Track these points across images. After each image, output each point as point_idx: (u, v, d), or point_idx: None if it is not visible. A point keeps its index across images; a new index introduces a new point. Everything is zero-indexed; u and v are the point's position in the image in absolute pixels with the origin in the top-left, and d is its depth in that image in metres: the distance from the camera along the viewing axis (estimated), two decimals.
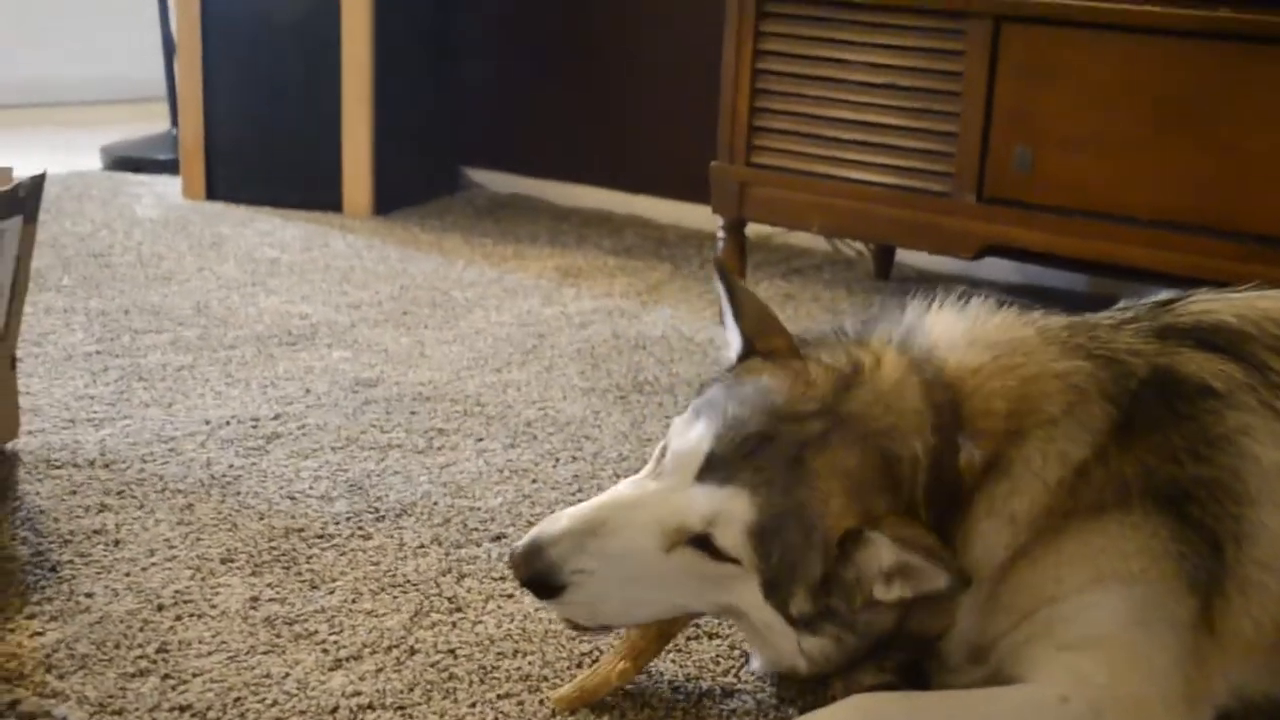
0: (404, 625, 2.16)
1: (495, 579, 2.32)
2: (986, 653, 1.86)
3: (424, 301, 3.82)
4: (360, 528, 2.47)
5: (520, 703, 1.97)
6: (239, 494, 2.59)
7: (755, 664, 2.05)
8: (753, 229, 3.84)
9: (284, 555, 2.37)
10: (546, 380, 3.24)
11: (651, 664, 2.04)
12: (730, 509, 1.78)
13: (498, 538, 2.46)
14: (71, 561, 2.31)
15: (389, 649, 2.10)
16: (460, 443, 2.86)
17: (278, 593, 2.25)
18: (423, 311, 3.73)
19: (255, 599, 2.22)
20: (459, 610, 2.22)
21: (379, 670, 2.04)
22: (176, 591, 2.23)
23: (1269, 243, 3.01)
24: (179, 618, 2.16)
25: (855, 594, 1.79)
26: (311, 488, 2.62)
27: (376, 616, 2.19)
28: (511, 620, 2.19)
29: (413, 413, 3.00)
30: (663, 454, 1.89)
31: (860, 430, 1.82)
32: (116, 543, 2.38)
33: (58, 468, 2.65)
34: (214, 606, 2.20)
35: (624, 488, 1.88)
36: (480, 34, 5.18)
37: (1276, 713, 1.92)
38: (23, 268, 2.61)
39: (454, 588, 2.28)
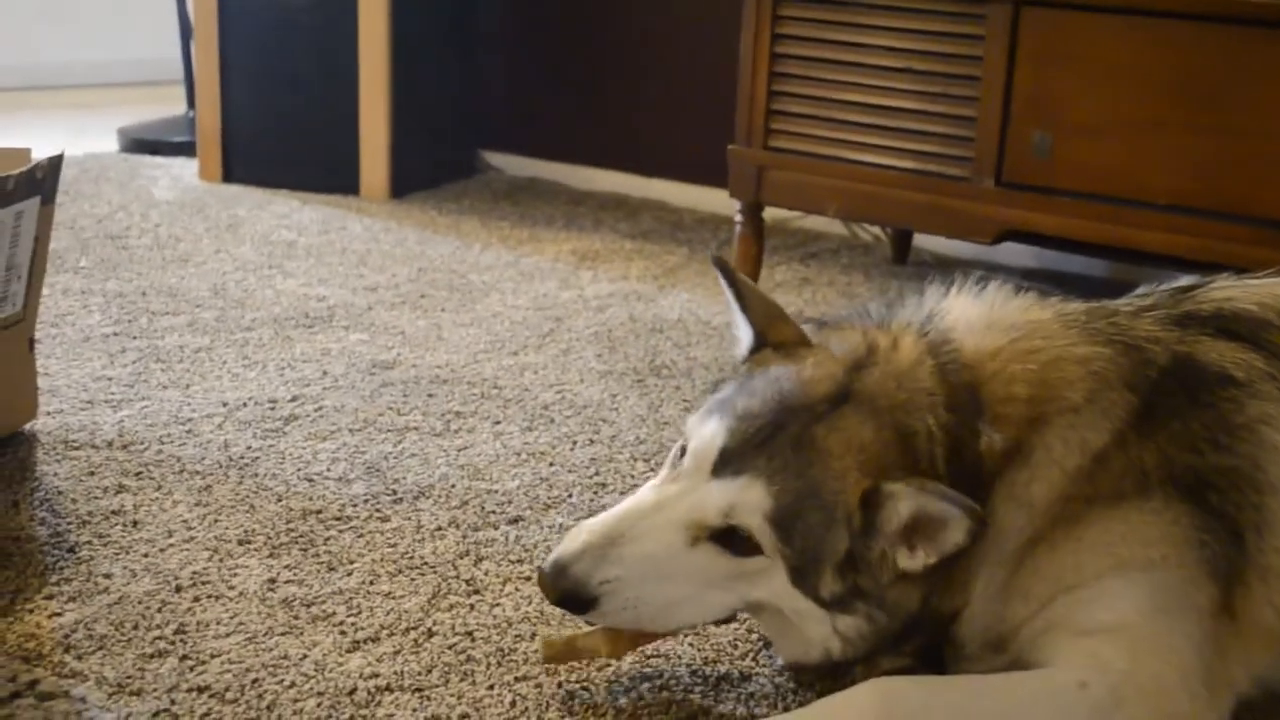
0: (422, 607, 2.17)
1: (513, 561, 2.32)
2: (1006, 642, 1.85)
3: (441, 284, 3.82)
4: (378, 510, 2.48)
5: (538, 685, 1.97)
6: (257, 475, 2.59)
7: (779, 661, 2.04)
8: (770, 213, 3.83)
9: (302, 537, 2.37)
10: (563, 363, 3.24)
11: (669, 648, 2.05)
12: (746, 499, 1.79)
13: (515, 520, 2.46)
14: (90, 542, 2.32)
15: (407, 631, 2.10)
16: (477, 425, 2.86)
17: (295, 574, 2.25)
18: (440, 294, 3.73)
19: (273, 580, 2.22)
20: (477, 592, 2.22)
21: (397, 652, 2.04)
22: (194, 573, 2.24)
23: None
24: (197, 599, 2.16)
25: (882, 569, 1.80)
26: (329, 469, 2.62)
27: (394, 598, 2.19)
28: (529, 603, 2.19)
29: (430, 395, 3.00)
30: (681, 454, 1.90)
31: (872, 406, 1.83)
32: (134, 524, 2.39)
33: (76, 449, 2.66)
34: (232, 588, 2.20)
35: (642, 493, 1.89)
36: (498, 17, 5.17)
37: None
38: (40, 249, 2.61)
39: (472, 570, 2.29)
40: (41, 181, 2.55)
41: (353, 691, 1.94)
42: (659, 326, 3.52)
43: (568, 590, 1.82)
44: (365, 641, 2.07)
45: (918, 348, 1.91)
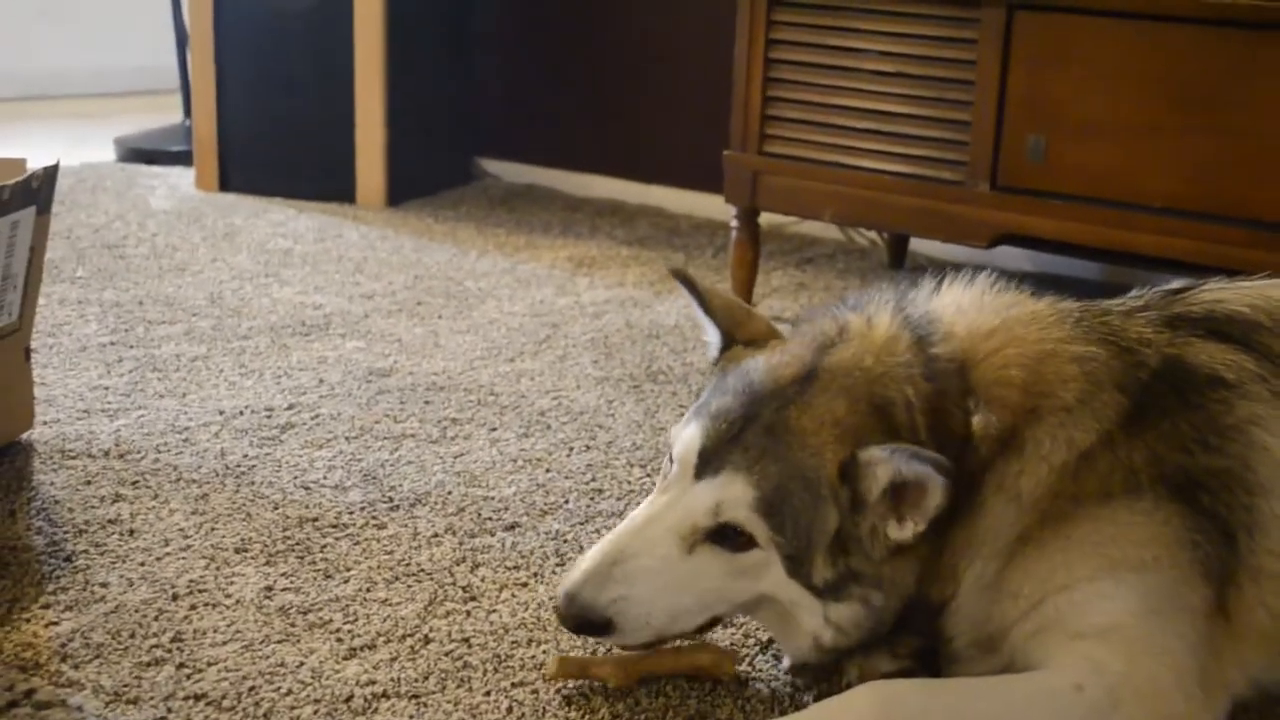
0: (418, 614, 2.17)
1: (509, 568, 2.32)
2: (996, 642, 1.85)
3: (437, 292, 3.82)
4: (374, 517, 2.48)
5: (535, 691, 1.97)
6: (253, 484, 2.59)
7: (786, 662, 2.04)
8: (766, 218, 3.83)
9: (298, 545, 2.37)
10: (560, 370, 3.24)
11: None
12: (729, 495, 1.81)
13: (512, 527, 2.46)
14: (86, 551, 2.32)
15: (403, 638, 2.10)
16: (474, 432, 2.86)
17: (292, 582, 2.25)
18: (436, 302, 3.73)
19: (270, 588, 2.23)
20: (473, 599, 2.22)
21: (393, 659, 2.04)
22: (191, 581, 2.24)
23: None
24: (194, 607, 2.16)
25: (874, 544, 1.81)
26: (326, 477, 2.62)
27: (391, 605, 2.19)
28: (526, 609, 2.19)
29: (426, 402, 3.00)
30: (667, 465, 1.92)
31: (844, 381, 1.85)
32: (131, 532, 2.39)
33: (72, 458, 2.66)
34: (229, 596, 2.20)
35: (638, 510, 1.91)
36: (494, 24, 5.17)
37: None
38: (36, 258, 2.62)
39: (468, 577, 2.29)
40: (37, 191, 2.55)
41: (349, 699, 1.94)
42: (655, 332, 3.52)
43: (580, 617, 1.85)
44: (362, 649, 2.07)
45: (894, 323, 1.92)
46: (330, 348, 3.33)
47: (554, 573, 2.30)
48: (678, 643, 2.05)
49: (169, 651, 2.04)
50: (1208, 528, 1.80)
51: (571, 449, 2.80)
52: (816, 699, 1.94)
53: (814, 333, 1.94)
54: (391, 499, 2.54)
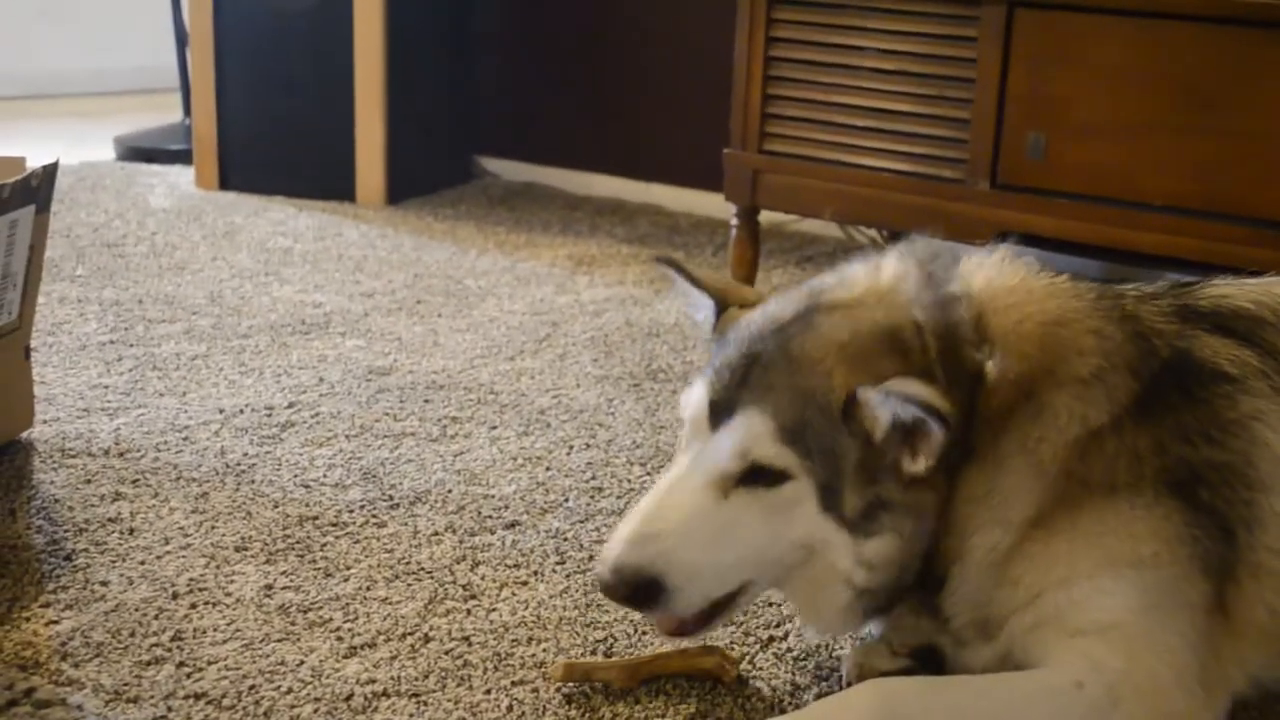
0: (418, 613, 2.17)
1: (510, 566, 2.32)
2: (995, 629, 1.85)
3: (437, 290, 3.82)
4: (374, 515, 2.48)
5: (535, 689, 1.97)
6: (253, 482, 2.59)
7: (810, 632, 2.03)
8: (766, 216, 3.83)
9: (298, 543, 2.37)
10: (560, 368, 3.24)
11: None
12: (750, 431, 1.78)
13: (512, 525, 2.46)
14: (86, 550, 2.32)
15: (403, 636, 2.10)
16: (474, 430, 2.86)
17: (292, 580, 2.25)
18: (436, 300, 3.73)
19: (270, 587, 2.23)
20: (473, 598, 2.22)
21: (393, 657, 2.04)
22: (191, 580, 2.24)
23: None
24: (194, 606, 2.16)
25: (895, 476, 1.79)
26: (325, 476, 2.62)
27: (391, 604, 2.19)
28: (526, 607, 2.19)
29: (426, 401, 3.00)
30: (684, 429, 1.89)
31: (847, 310, 1.85)
32: (131, 531, 2.39)
33: (72, 457, 2.66)
34: (229, 594, 2.20)
35: (661, 480, 1.87)
36: (494, 23, 5.17)
37: None
38: (36, 257, 2.62)
39: (468, 575, 2.29)
40: (37, 189, 2.55)
41: (349, 697, 1.94)
42: (655, 331, 3.52)
43: (634, 582, 1.79)
44: (362, 647, 2.07)
45: (904, 264, 1.92)
46: (330, 346, 3.33)
47: (554, 571, 2.30)
48: (681, 644, 2.06)
49: (169, 650, 2.03)
50: (1207, 524, 1.80)
51: (571, 447, 2.80)
52: (817, 697, 1.94)
53: (811, 282, 1.94)
54: (391, 497, 2.54)
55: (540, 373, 3.21)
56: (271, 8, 4.68)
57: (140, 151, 5.27)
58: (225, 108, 4.81)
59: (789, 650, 2.10)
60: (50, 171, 2.58)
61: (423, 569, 2.30)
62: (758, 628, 2.14)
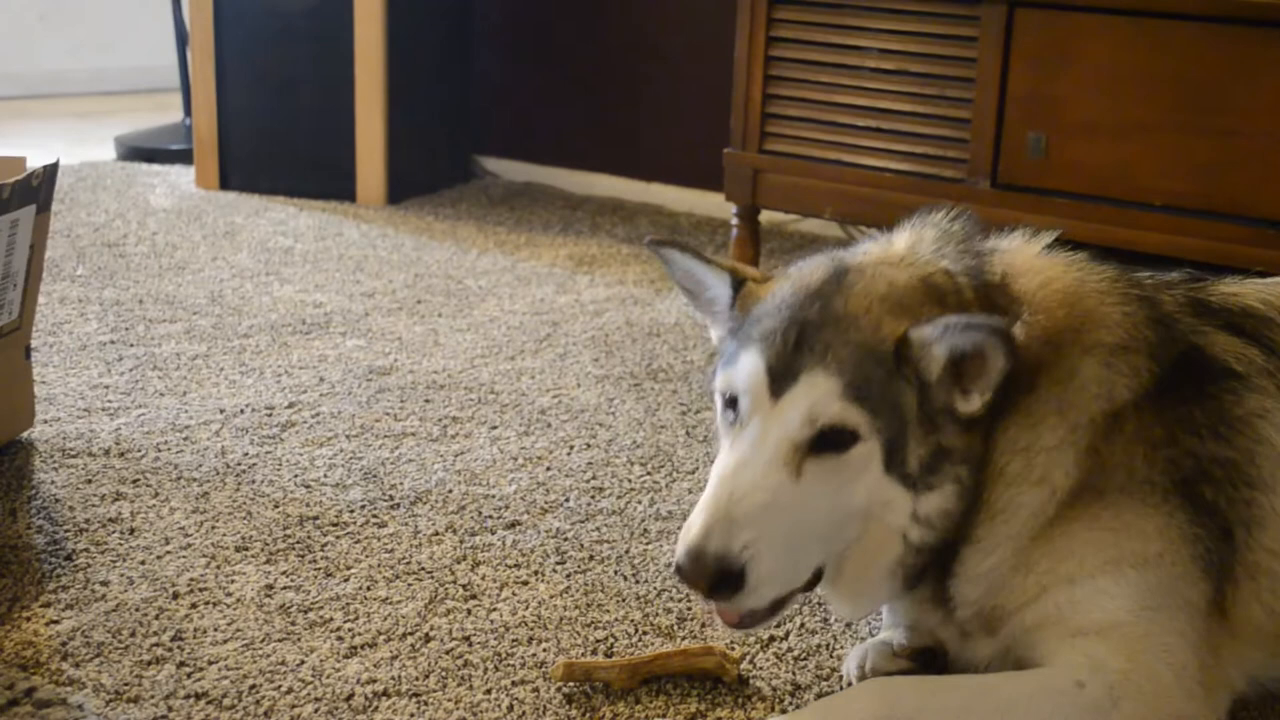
0: (419, 612, 2.17)
1: (510, 566, 2.32)
2: (999, 624, 1.85)
3: (438, 290, 3.82)
4: (375, 515, 2.48)
5: (535, 689, 1.97)
6: (254, 482, 2.59)
7: (842, 611, 2.02)
8: (766, 216, 3.84)
9: (299, 543, 2.37)
10: (560, 368, 3.24)
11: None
12: (816, 393, 1.75)
13: (512, 525, 2.46)
14: (87, 550, 2.32)
15: (404, 636, 2.10)
16: (474, 430, 2.86)
17: (293, 580, 2.25)
18: (436, 300, 3.73)
19: (270, 587, 2.23)
20: (474, 597, 2.22)
21: (394, 657, 2.04)
22: (192, 579, 2.24)
23: None
24: (194, 606, 2.16)
25: (951, 420, 1.78)
26: (326, 476, 2.62)
27: (391, 604, 2.19)
28: (526, 607, 2.19)
29: (427, 401, 3.00)
30: (729, 408, 1.83)
31: (879, 268, 1.84)
32: (131, 531, 2.39)
33: (73, 457, 2.66)
34: (229, 594, 2.20)
35: (721, 464, 1.82)
36: (494, 23, 5.17)
37: None
38: (36, 257, 2.62)
39: (469, 575, 2.29)
40: (37, 189, 2.55)
41: (350, 697, 1.94)
42: (656, 331, 3.52)
43: (717, 570, 1.73)
44: (363, 647, 2.07)
45: (916, 230, 1.93)
46: (331, 346, 3.33)
47: (554, 571, 2.30)
48: (681, 644, 2.06)
49: (169, 650, 2.03)
50: (1208, 523, 1.80)
51: (572, 447, 2.80)
52: (818, 697, 1.94)
53: (830, 252, 1.93)
54: (392, 497, 2.54)
55: (541, 372, 3.21)
56: (272, 7, 4.68)
57: (140, 151, 5.27)
58: (225, 107, 4.82)
59: (789, 650, 2.10)
60: (51, 171, 2.58)
61: (423, 569, 2.30)
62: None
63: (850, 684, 1.93)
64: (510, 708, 1.93)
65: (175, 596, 2.18)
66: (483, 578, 2.28)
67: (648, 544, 2.41)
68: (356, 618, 2.14)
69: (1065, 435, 1.81)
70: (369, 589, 2.23)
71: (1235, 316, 1.94)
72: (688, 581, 1.76)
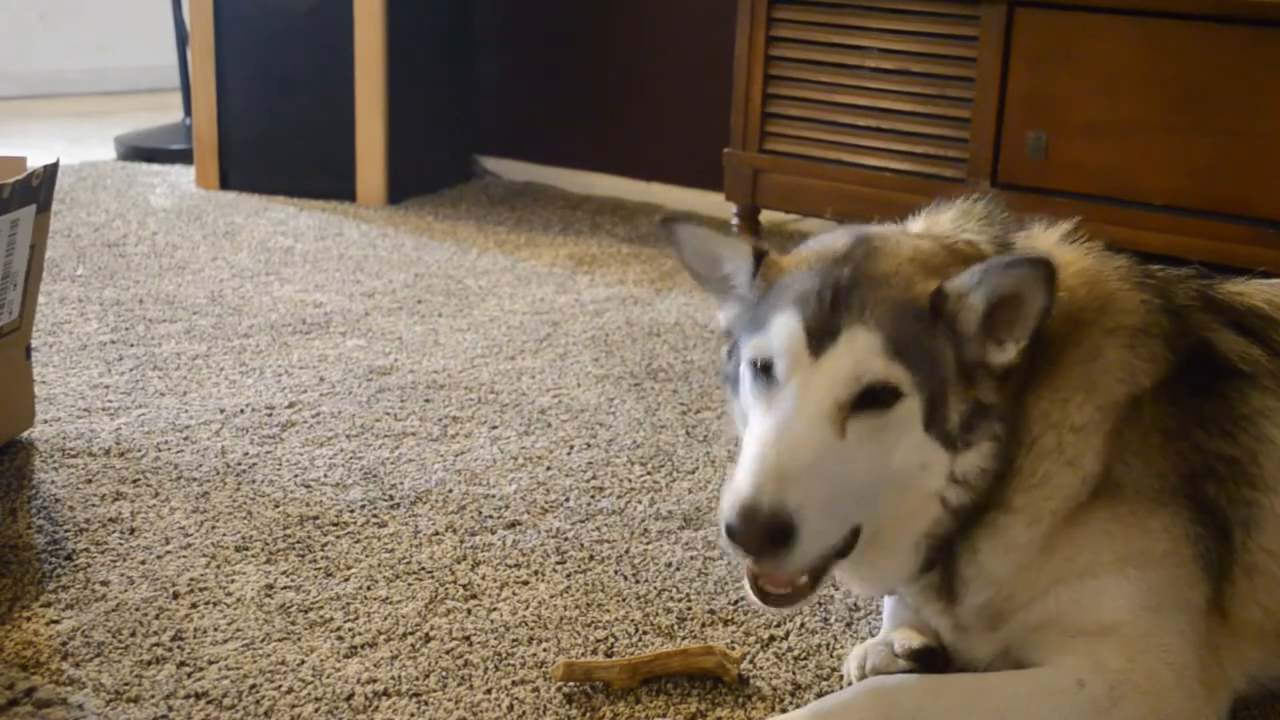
0: (419, 612, 2.17)
1: (510, 566, 2.32)
2: (1002, 620, 1.85)
3: (438, 290, 3.82)
4: (375, 515, 2.48)
5: (535, 689, 1.97)
6: (254, 482, 2.59)
7: (862, 588, 2.01)
8: (766, 216, 3.84)
9: (299, 543, 2.37)
10: (560, 368, 3.24)
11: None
12: (859, 349, 1.73)
13: (512, 525, 2.46)
14: (87, 550, 2.32)
15: (404, 636, 2.10)
16: (474, 430, 2.86)
17: (293, 580, 2.25)
18: (436, 300, 3.73)
19: (270, 586, 2.22)
20: (474, 597, 2.22)
21: (394, 657, 2.04)
22: (192, 579, 2.24)
23: None
24: (194, 605, 2.16)
25: (986, 375, 1.77)
26: (326, 475, 2.62)
27: (392, 604, 2.19)
28: (526, 607, 2.19)
29: (427, 400, 3.00)
30: (760, 373, 1.80)
31: (898, 236, 1.85)
32: (132, 531, 2.39)
33: (73, 456, 2.66)
34: (229, 594, 2.20)
35: (759, 426, 1.78)
36: (494, 23, 5.17)
37: None
38: (37, 257, 2.62)
39: (469, 575, 2.29)
40: (37, 189, 2.55)
41: (350, 697, 1.94)
42: (656, 330, 3.52)
43: (771, 526, 1.68)
44: (363, 647, 2.06)
45: (934, 214, 1.94)
46: (331, 346, 3.33)
47: (555, 570, 2.30)
48: (681, 644, 2.06)
49: (170, 650, 2.03)
50: (1208, 522, 1.81)
51: (572, 447, 2.80)
52: (817, 696, 1.94)
53: (849, 225, 1.94)
54: (392, 497, 2.54)
55: (541, 372, 3.21)
56: (272, 8, 4.68)
57: (141, 151, 5.27)
58: (226, 107, 4.82)
59: (789, 650, 2.10)
60: (51, 171, 2.58)
61: (423, 569, 2.30)
62: (758, 628, 2.14)
63: (850, 684, 1.93)
64: (510, 707, 1.93)
65: (175, 596, 2.18)
66: (483, 577, 2.28)
67: (648, 544, 2.41)
68: (357, 617, 2.14)
69: (1092, 415, 1.81)
70: (369, 589, 2.23)
71: (1241, 315, 1.94)
72: (738, 540, 1.70)
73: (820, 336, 1.75)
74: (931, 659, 1.96)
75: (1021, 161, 3.28)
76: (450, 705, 1.93)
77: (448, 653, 2.06)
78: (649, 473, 2.68)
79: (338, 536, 2.40)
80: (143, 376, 3.08)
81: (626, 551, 2.38)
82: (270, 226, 4.39)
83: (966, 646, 1.91)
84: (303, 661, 2.02)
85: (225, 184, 4.84)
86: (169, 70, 5.70)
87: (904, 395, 1.73)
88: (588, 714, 1.92)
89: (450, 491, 2.58)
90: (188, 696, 1.93)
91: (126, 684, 1.95)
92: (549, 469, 2.69)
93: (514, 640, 2.10)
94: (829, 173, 3.57)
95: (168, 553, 2.32)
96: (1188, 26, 3.05)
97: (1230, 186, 3.06)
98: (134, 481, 2.57)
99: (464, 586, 2.25)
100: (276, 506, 2.50)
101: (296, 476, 2.61)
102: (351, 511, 2.49)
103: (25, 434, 2.74)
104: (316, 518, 2.46)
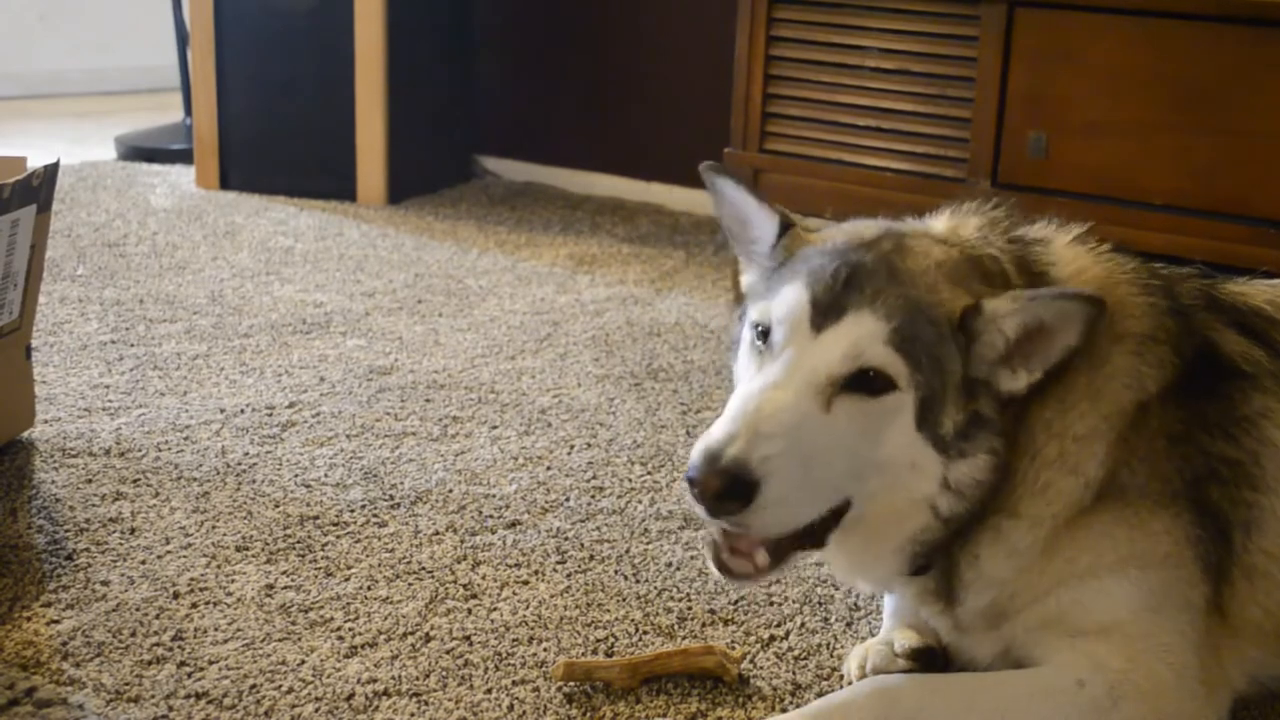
0: (419, 612, 2.17)
1: (511, 566, 2.32)
2: (1002, 620, 1.85)
3: (438, 289, 3.82)
4: (375, 515, 2.48)
5: (535, 689, 1.97)
6: (254, 482, 2.59)
7: (859, 585, 2.00)
8: None
9: (299, 543, 2.37)
10: (560, 368, 3.24)
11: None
12: (863, 332, 1.72)
13: (513, 524, 2.46)
14: (87, 550, 2.32)
15: (404, 636, 2.10)
16: (475, 430, 2.86)
17: (293, 580, 2.25)
18: (437, 299, 3.73)
19: (271, 586, 2.22)
20: (474, 597, 2.22)
21: (394, 657, 2.04)
22: (192, 579, 2.24)
23: None
24: (195, 605, 2.16)
25: (994, 395, 1.77)
26: (326, 475, 2.62)
27: (392, 603, 2.19)
28: (527, 607, 2.19)
29: (427, 400, 3.00)
30: (759, 338, 1.80)
31: (925, 238, 1.83)
32: (132, 531, 2.39)
33: (73, 456, 2.66)
34: (230, 594, 2.20)
35: (749, 384, 1.77)
36: (494, 23, 5.17)
37: None
38: (37, 257, 2.62)
39: (469, 574, 2.29)
40: (38, 189, 2.55)
41: (351, 697, 1.94)
42: (656, 330, 3.52)
43: (731, 473, 1.65)
44: (363, 647, 2.06)
45: (955, 217, 1.93)
46: (331, 346, 3.33)
47: (555, 570, 2.30)
48: (682, 644, 2.06)
49: (170, 650, 2.03)
50: (1208, 524, 1.81)
51: (572, 447, 2.80)
52: (818, 696, 1.94)
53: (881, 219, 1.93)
54: (392, 497, 2.54)
55: (541, 372, 3.21)
56: (272, 8, 4.68)
57: (141, 151, 5.27)
58: (226, 107, 4.82)
59: (790, 650, 2.10)
60: (51, 171, 2.58)
61: (424, 568, 2.30)
62: (758, 627, 2.14)
63: (850, 684, 1.93)
64: (510, 707, 1.93)
65: (176, 596, 2.18)
66: (483, 577, 2.28)
67: (648, 543, 2.41)
68: (357, 617, 2.14)
69: (1097, 424, 1.81)
70: (369, 589, 2.23)
71: (1244, 316, 1.94)
72: (697, 486, 1.68)
73: (825, 312, 1.74)
74: (931, 659, 1.96)
75: (1022, 161, 3.28)
76: (450, 705, 1.93)
77: (448, 652, 2.06)
78: (649, 472, 2.68)
79: (338, 536, 2.40)
80: (143, 376, 3.08)
81: (627, 551, 2.38)
82: (270, 226, 4.39)
83: (966, 646, 1.91)
84: (303, 661, 2.02)
85: (225, 184, 4.84)
86: (169, 70, 5.70)
87: (898, 388, 1.72)
88: (588, 714, 1.92)
89: (450, 491, 2.58)
90: (188, 696, 1.93)
91: (127, 684, 1.95)
92: (549, 469, 2.69)
93: (514, 640, 2.10)
94: (829, 173, 3.57)
95: (168, 553, 2.32)
96: (1188, 26, 3.05)
97: (1231, 186, 3.06)
98: (134, 481, 2.57)
99: (464, 586, 2.25)
100: (277, 506, 2.50)
101: (297, 476, 2.61)
102: (352, 511, 2.49)
103: (25, 434, 2.74)
104: (317, 518, 2.46)
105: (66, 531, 2.37)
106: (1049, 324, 1.73)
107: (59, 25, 6.58)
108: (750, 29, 3.62)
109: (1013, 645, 1.85)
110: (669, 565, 2.33)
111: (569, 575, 2.29)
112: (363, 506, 2.51)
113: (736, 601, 2.22)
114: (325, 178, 4.74)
